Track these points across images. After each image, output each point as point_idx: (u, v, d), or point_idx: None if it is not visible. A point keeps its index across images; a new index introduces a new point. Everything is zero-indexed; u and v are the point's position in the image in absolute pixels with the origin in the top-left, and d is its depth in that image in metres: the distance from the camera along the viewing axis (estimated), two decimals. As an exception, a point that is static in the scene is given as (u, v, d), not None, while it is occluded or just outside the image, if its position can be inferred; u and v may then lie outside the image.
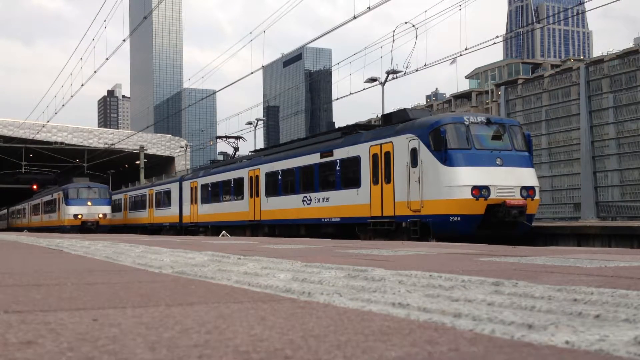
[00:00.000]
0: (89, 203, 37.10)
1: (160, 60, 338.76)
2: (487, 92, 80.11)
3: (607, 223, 17.11)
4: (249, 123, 44.28)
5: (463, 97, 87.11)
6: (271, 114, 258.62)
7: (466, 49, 20.28)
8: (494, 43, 20.30)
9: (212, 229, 27.32)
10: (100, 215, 37.24)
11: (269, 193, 23.05)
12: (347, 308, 2.02)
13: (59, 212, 38.99)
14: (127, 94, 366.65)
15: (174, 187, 34.19)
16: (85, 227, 35.69)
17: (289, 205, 21.75)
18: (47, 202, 43.75)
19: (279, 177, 22.56)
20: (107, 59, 26.09)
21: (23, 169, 52.61)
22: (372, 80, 32.05)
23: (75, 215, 36.79)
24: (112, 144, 50.52)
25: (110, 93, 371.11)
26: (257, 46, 25.17)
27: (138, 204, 40.65)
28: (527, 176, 15.80)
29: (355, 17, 18.75)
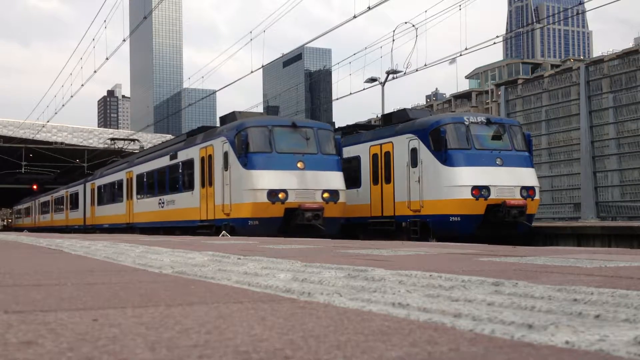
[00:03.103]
0: (301, 164, 16.08)
1: (160, 61, 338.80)
2: (487, 92, 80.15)
3: (607, 223, 17.11)
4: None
5: (463, 97, 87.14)
6: (271, 114, 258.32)
7: (466, 49, 20.29)
8: (494, 43, 20.32)
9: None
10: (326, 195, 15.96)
11: None
12: (347, 308, 2.02)
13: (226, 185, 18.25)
14: (127, 94, 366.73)
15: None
16: (298, 223, 15.49)
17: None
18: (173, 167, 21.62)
19: None
20: (107, 58, 26.10)
21: (23, 169, 52.54)
22: (372, 80, 32.04)
23: (273, 194, 15.59)
24: (112, 144, 50.44)
25: (110, 93, 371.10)
26: (256, 46, 25.18)
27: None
28: (527, 176, 15.53)
29: (355, 17, 18.75)
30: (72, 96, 32.43)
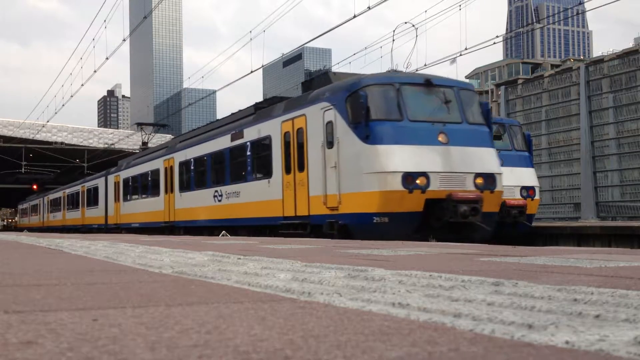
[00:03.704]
0: (443, 138, 11.80)
1: (160, 61, 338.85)
2: (487, 92, 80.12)
3: (607, 223, 17.11)
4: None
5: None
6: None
7: (466, 48, 20.28)
8: (494, 43, 20.30)
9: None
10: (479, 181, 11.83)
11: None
12: (347, 308, 2.02)
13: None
14: (127, 94, 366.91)
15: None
16: (446, 221, 11.35)
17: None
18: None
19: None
20: (107, 58, 26.10)
21: (23, 169, 52.55)
22: (373, 80, 31.90)
23: (410, 179, 11.15)
24: (112, 144, 50.51)
25: (110, 93, 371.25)
26: (256, 47, 25.17)
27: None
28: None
29: (355, 16, 18.75)
30: (72, 96, 32.45)
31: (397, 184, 11.02)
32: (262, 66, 25.09)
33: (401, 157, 11.18)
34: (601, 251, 5.42)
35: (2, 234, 23.85)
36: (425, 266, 3.87)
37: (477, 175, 11.51)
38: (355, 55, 40.42)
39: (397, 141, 11.34)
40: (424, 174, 11.12)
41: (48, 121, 43.38)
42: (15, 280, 3.18)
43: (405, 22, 17.43)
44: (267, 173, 14.84)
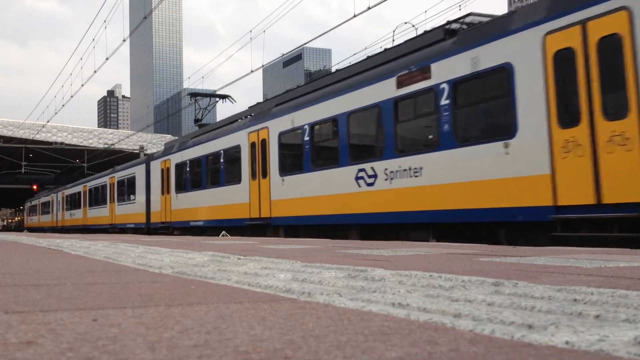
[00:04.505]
0: None
1: (160, 61, 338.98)
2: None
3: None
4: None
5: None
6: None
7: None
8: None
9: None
10: None
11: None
12: (347, 308, 2.02)
13: None
14: (127, 94, 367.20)
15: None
16: None
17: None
18: None
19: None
20: (107, 58, 26.11)
21: (23, 169, 52.57)
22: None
23: None
24: (112, 144, 50.54)
25: (110, 93, 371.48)
26: (257, 47, 25.19)
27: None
28: None
29: (355, 16, 18.76)
30: (72, 96, 32.47)
31: None
32: (262, 66, 25.10)
33: None
34: (601, 251, 5.41)
35: (2, 234, 23.83)
36: (425, 266, 3.87)
37: None
38: (355, 55, 40.48)
39: None
40: None
41: (48, 121, 43.42)
42: (15, 280, 3.18)
43: (405, 22, 17.40)
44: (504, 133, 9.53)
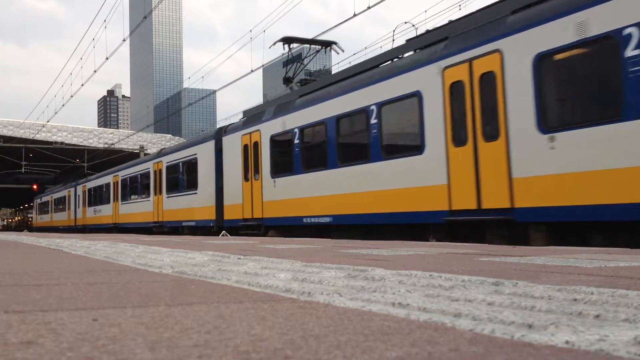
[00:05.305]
0: None
1: (160, 61, 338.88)
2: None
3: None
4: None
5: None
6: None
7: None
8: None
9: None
10: None
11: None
12: (347, 308, 2.02)
13: None
14: (127, 94, 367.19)
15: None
16: None
17: None
18: None
19: None
20: (107, 58, 26.11)
21: (23, 169, 52.57)
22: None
23: None
24: (112, 144, 50.55)
25: (110, 93, 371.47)
26: (257, 47, 25.20)
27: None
28: None
29: (355, 15, 18.76)
30: (72, 96, 32.47)
31: None
32: (262, 66, 25.10)
33: None
34: (601, 251, 5.41)
35: (2, 234, 23.82)
36: (425, 266, 3.87)
37: None
38: (355, 55, 40.48)
39: None
40: None
41: (48, 121, 43.43)
42: (15, 280, 3.18)
43: (405, 22, 17.39)
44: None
